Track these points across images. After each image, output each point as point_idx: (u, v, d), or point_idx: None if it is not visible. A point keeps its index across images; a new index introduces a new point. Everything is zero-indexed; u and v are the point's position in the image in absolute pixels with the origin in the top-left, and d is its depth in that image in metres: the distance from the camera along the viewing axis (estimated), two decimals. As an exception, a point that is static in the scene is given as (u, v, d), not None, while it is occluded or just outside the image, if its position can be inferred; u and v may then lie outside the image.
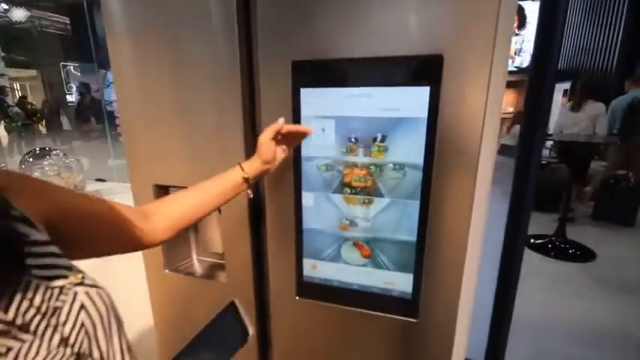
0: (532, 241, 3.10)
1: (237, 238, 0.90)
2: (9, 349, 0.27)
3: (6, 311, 0.28)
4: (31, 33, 8.33)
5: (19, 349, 0.28)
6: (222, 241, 0.94)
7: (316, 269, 0.84)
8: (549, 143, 3.78)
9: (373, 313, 0.82)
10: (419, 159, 0.69)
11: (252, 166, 0.68)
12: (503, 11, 0.62)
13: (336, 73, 0.71)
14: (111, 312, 0.37)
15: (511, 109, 7.55)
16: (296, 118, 0.75)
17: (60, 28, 9.27)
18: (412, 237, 0.73)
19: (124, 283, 1.13)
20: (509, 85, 7.53)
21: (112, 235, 0.49)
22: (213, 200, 0.63)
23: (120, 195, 1.66)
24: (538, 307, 2.15)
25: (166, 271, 1.01)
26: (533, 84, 1.01)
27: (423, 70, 0.65)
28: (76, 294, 0.34)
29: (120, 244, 0.51)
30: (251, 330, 0.39)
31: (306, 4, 0.69)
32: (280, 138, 0.70)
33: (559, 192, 3.08)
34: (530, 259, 2.82)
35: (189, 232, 1.07)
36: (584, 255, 2.88)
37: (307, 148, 0.77)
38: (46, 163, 1.79)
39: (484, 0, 0.59)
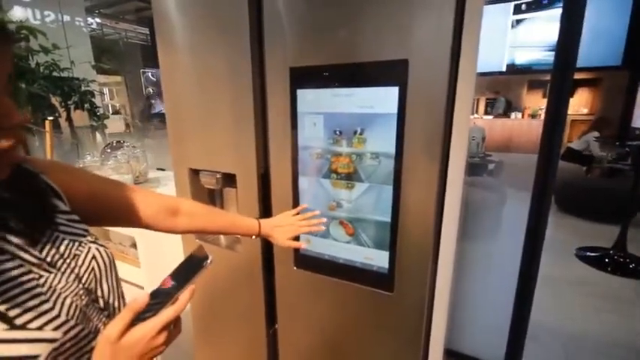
0: (587, 253, 2.87)
1: (249, 216, 1.07)
2: (41, 276, 0.42)
3: (40, 252, 0.43)
4: (118, 44, 9.67)
5: (47, 277, 0.42)
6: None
7: (311, 244, 0.98)
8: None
9: (356, 285, 0.93)
10: (391, 149, 0.79)
11: (266, 233, 0.82)
12: (468, 18, 0.70)
13: (323, 76, 0.84)
14: (112, 266, 0.51)
15: (585, 111, 6.82)
16: (293, 114, 0.90)
17: (141, 39, 10.57)
18: (387, 218, 0.84)
19: (168, 248, 1.38)
20: (581, 83, 6.78)
21: (123, 214, 0.61)
22: (226, 230, 0.82)
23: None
24: (579, 321, 2.03)
25: (197, 240, 1.22)
26: (555, 87, 1.03)
27: (392, 72, 0.75)
28: (90, 248, 0.48)
29: (133, 222, 0.63)
30: (210, 257, 0.49)
31: (300, 22, 0.84)
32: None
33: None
34: (582, 272, 2.63)
35: (218, 210, 1.27)
36: (647, 270, 2.60)
37: (303, 139, 0.91)
38: (119, 153, 2.17)
39: (441, 13, 0.68)
